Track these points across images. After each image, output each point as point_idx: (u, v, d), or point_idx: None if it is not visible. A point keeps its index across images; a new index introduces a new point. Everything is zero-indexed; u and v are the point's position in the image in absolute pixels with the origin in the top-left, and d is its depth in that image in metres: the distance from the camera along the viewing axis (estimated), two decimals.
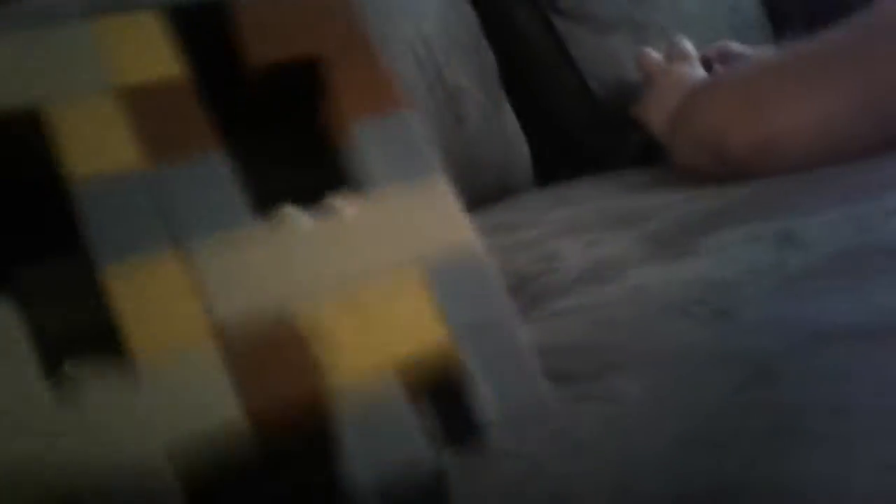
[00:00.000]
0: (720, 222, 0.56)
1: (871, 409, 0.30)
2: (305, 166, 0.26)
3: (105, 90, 0.23)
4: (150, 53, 0.23)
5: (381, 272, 0.23)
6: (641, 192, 0.75)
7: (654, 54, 0.93)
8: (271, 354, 0.21)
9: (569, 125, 1.03)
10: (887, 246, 0.43)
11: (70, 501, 0.18)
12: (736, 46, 0.96)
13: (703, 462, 0.31)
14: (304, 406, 0.21)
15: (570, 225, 0.68)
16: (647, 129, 0.90)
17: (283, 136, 0.26)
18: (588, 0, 1.03)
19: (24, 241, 0.23)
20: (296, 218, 0.23)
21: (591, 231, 0.64)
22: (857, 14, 0.68)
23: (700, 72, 0.88)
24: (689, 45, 0.93)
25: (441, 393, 0.22)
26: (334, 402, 0.21)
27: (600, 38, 1.03)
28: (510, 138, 0.96)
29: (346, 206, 0.24)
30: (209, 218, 0.22)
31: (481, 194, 0.89)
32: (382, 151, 0.25)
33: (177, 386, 0.20)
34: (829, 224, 0.49)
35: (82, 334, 0.22)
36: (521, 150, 0.97)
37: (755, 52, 0.95)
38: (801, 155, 0.65)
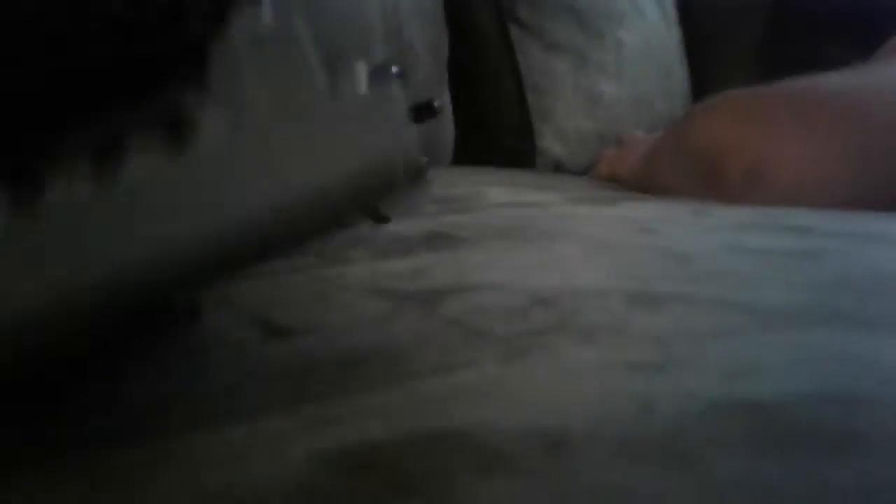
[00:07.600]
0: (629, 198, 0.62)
1: None
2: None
3: None
4: None
5: None
6: (554, 179, 0.81)
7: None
8: None
9: (494, 123, 1.09)
10: None
11: None
12: None
13: None
14: None
15: (499, 180, 0.73)
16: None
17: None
18: (545, 19, 1.10)
19: None
20: None
21: (517, 187, 0.69)
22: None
23: None
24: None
25: None
26: None
27: (546, 55, 1.09)
28: (441, 113, 1.01)
29: None
30: None
31: None
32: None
33: None
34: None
35: None
36: (448, 127, 1.02)
37: None
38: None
